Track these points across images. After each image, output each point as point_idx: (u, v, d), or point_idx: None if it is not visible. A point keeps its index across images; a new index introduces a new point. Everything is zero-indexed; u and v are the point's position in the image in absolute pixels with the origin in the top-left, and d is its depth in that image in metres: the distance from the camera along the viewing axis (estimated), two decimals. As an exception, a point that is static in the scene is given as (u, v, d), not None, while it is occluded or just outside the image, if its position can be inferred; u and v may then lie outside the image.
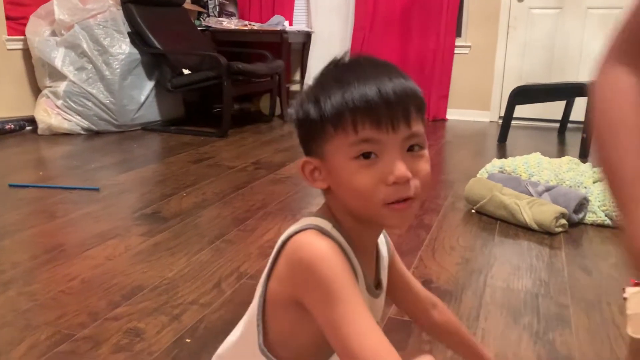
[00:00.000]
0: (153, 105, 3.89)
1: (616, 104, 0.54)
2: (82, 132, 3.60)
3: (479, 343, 0.95)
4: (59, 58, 3.58)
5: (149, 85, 3.85)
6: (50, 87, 3.60)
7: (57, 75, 3.57)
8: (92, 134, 3.62)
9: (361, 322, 0.63)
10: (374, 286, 0.76)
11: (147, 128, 3.83)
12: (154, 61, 3.85)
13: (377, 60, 0.71)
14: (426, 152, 0.68)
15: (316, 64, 4.77)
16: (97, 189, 2.39)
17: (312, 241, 0.67)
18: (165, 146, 3.41)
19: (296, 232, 0.68)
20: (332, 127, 0.66)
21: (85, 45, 3.57)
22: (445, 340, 0.96)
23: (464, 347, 0.94)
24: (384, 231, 0.84)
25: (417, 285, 0.90)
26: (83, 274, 1.59)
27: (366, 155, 0.65)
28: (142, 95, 3.80)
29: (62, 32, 3.60)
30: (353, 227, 0.71)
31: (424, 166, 0.67)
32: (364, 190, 0.65)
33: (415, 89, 0.67)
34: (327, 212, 0.72)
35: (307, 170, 0.71)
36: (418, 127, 0.66)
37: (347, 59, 0.71)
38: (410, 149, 0.66)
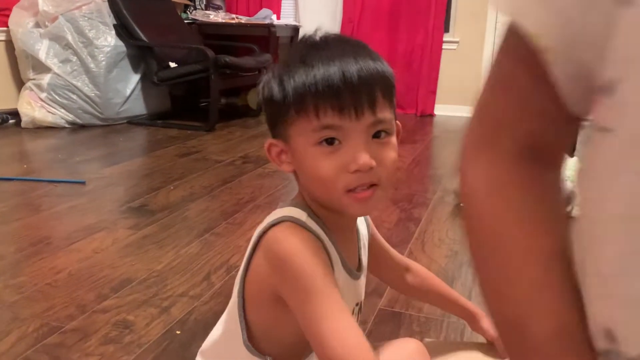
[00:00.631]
0: (139, 99, 3.85)
1: (490, 219, 0.39)
2: (67, 125, 3.55)
3: (457, 294, 0.99)
4: (43, 50, 3.52)
5: (135, 78, 3.80)
6: (34, 79, 3.54)
7: (41, 67, 3.52)
8: (77, 127, 3.57)
9: (337, 317, 0.62)
10: (355, 268, 0.76)
11: (133, 122, 3.79)
12: (140, 54, 3.81)
13: (347, 39, 0.68)
14: (393, 138, 0.67)
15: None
16: (83, 182, 2.36)
17: (288, 235, 0.65)
18: (151, 140, 3.37)
19: (272, 225, 0.67)
20: (295, 111, 0.64)
21: (69, 37, 3.52)
22: (424, 299, 1.02)
23: (442, 301, 0.98)
24: None
25: (392, 252, 0.91)
26: (70, 266, 1.57)
27: (329, 142, 0.63)
28: (128, 89, 3.76)
29: (46, 23, 3.55)
30: (325, 214, 0.69)
31: (390, 154, 0.65)
32: (325, 177, 0.63)
33: (383, 71, 0.64)
34: (302, 200, 0.71)
35: (274, 152, 0.69)
36: (385, 113, 0.64)
37: (317, 37, 0.68)
38: (377, 135, 0.64)
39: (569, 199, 1.87)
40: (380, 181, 0.64)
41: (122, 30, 3.73)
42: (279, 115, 0.66)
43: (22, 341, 1.20)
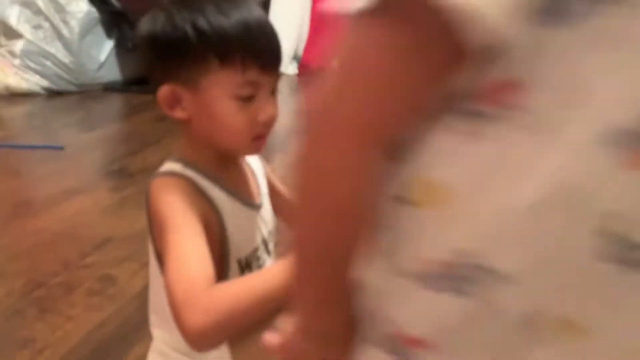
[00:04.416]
0: (114, 65, 3.83)
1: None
2: (42, 91, 3.54)
3: None
4: (14, 16, 3.48)
5: (109, 44, 3.78)
6: (5, 45, 3.51)
7: (12, 34, 3.48)
8: (53, 93, 3.56)
9: (184, 248, 0.60)
10: (255, 200, 0.77)
11: (109, 88, 3.78)
12: (114, 19, 3.78)
13: None
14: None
15: (277, 24, 4.74)
16: (61, 148, 2.40)
17: (154, 185, 0.66)
18: (128, 105, 3.39)
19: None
20: (218, 62, 0.63)
21: (40, 3, 3.48)
22: None
23: None
24: None
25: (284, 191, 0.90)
26: (53, 227, 1.63)
27: (247, 95, 0.65)
28: (102, 55, 3.74)
29: (16, -12, 3.50)
30: (207, 157, 0.69)
31: (277, 105, 0.69)
32: (239, 128, 0.65)
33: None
34: (179, 152, 0.71)
35: (168, 98, 0.66)
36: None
37: None
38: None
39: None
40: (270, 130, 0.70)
41: (94, -5, 3.69)
42: (190, 61, 0.64)
43: (10, 296, 1.27)
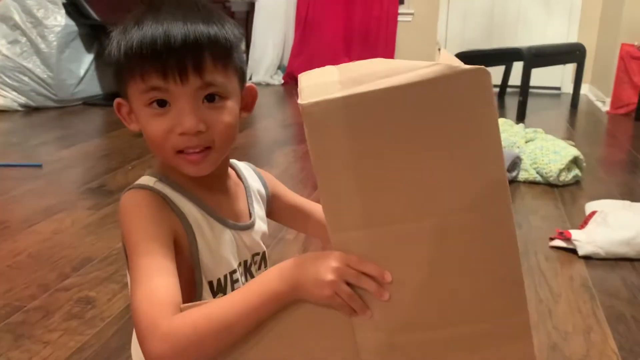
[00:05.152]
0: (94, 79, 3.79)
1: None
2: (20, 108, 3.48)
3: None
4: (-10, 31, 3.42)
5: (89, 58, 3.74)
6: (-18, 62, 3.44)
7: (-12, 49, 3.42)
8: (31, 110, 3.50)
9: (149, 272, 0.60)
10: (242, 220, 0.75)
11: (89, 102, 3.73)
12: (93, 33, 3.73)
13: (184, 0, 0.68)
14: (229, 102, 0.66)
15: (261, 34, 4.74)
16: (39, 166, 2.34)
17: (125, 200, 0.66)
18: (108, 120, 3.34)
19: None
20: (127, 73, 0.65)
21: (17, 18, 3.43)
22: None
23: None
24: (251, 165, 0.83)
25: (317, 210, 0.86)
26: (30, 248, 1.58)
27: (160, 103, 0.64)
28: (82, 69, 3.69)
29: (-8, 3, 3.44)
30: (178, 172, 0.68)
31: (223, 117, 0.65)
32: (155, 138, 0.65)
33: (216, 35, 0.64)
34: (157, 166, 0.71)
35: (124, 111, 0.70)
36: (216, 77, 0.64)
37: None
38: (211, 99, 0.65)
39: (514, 164, 1.99)
40: (213, 144, 0.66)
41: (72, 8, 3.65)
42: (118, 75, 0.67)
43: (-16, 322, 1.22)
